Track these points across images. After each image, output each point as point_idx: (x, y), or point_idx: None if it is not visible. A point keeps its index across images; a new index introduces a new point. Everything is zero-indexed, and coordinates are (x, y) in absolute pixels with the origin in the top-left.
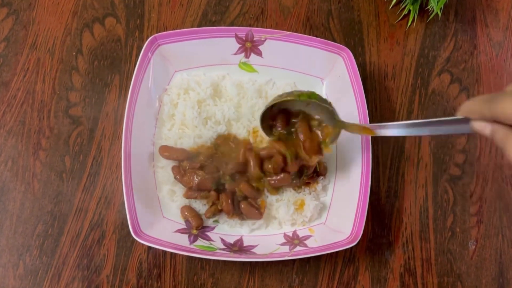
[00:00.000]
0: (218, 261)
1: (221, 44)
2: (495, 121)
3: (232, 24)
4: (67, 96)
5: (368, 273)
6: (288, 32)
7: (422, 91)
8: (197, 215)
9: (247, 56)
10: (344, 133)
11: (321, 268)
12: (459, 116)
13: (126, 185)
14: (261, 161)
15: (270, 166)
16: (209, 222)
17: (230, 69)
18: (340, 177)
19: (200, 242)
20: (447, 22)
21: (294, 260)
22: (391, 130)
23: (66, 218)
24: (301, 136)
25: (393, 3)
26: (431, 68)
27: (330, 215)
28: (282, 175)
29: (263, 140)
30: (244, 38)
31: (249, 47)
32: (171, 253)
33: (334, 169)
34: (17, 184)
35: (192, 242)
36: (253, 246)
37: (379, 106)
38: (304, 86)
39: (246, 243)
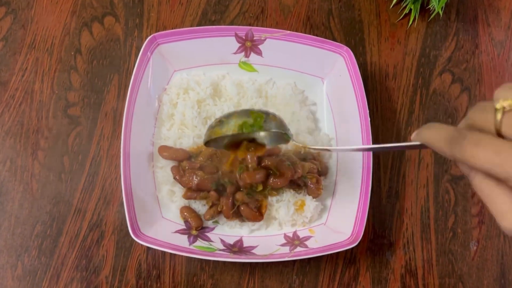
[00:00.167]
0: (217, 262)
1: (221, 43)
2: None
3: (232, 23)
4: (66, 96)
5: (369, 274)
6: (288, 32)
7: (423, 91)
8: (197, 216)
9: (247, 56)
10: (344, 133)
11: (321, 269)
12: (414, 142)
13: (125, 186)
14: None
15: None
16: (209, 223)
17: (230, 68)
18: (341, 178)
19: (199, 242)
20: (449, 21)
21: (294, 261)
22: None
23: (65, 219)
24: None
25: (394, 2)
26: (432, 67)
27: (330, 215)
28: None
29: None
30: (244, 38)
31: (249, 46)
32: (171, 254)
33: (335, 170)
34: (16, 184)
35: (191, 242)
36: (253, 247)
37: (380, 106)
38: (305, 85)
39: (246, 243)
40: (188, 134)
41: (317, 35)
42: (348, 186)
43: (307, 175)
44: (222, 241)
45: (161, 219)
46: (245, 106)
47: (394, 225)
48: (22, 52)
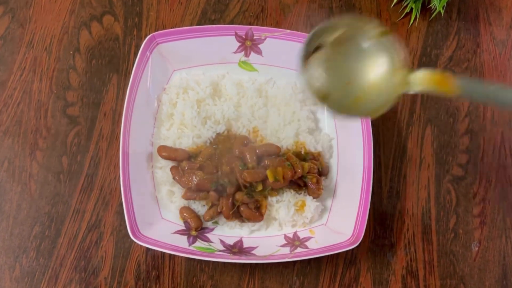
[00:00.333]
0: (217, 262)
1: (221, 42)
2: None
3: (231, 22)
4: (65, 96)
5: (370, 275)
6: (289, 31)
7: None
8: (196, 216)
9: (247, 55)
10: (345, 133)
11: (322, 270)
12: None
13: (124, 186)
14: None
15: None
16: (209, 223)
17: (230, 68)
18: (342, 178)
19: (199, 243)
20: (450, 20)
21: (294, 262)
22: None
23: (64, 220)
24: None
25: (394, 1)
26: (434, 67)
27: (331, 216)
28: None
29: (263, 139)
30: (244, 37)
31: (249, 45)
32: (170, 254)
33: (336, 170)
34: (14, 185)
35: (191, 243)
36: (253, 248)
37: None
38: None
39: (246, 244)
40: (188, 134)
41: None
42: (349, 187)
43: (307, 175)
44: (222, 241)
45: (160, 219)
46: (245, 106)
47: (395, 225)
48: (20, 51)
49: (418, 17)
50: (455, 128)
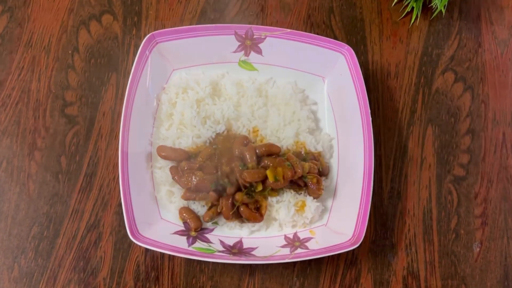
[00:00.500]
0: (217, 263)
1: (220, 42)
2: None
3: (231, 21)
4: (63, 95)
5: (371, 275)
6: (289, 30)
7: (426, 90)
8: (196, 217)
9: (246, 54)
10: (345, 133)
11: (322, 271)
12: None
13: (123, 186)
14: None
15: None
16: (208, 224)
17: (230, 67)
18: (342, 178)
19: (198, 244)
20: (451, 20)
21: (295, 263)
22: None
23: (62, 220)
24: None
25: (395, 0)
26: (435, 66)
27: (331, 216)
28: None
29: (263, 139)
30: (243, 36)
31: (249, 45)
32: (169, 255)
33: (336, 170)
34: (12, 185)
35: (190, 244)
36: (253, 248)
37: (381, 106)
38: (305, 84)
39: (245, 245)
40: (187, 134)
41: (318, 34)
42: (349, 187)
43: (308, 175)
44: (221, 242)
45: (160, 220)
46: (245, 105)
47: (396, 226)
48: (19, 50)
49: (419, 16)
50: (456, 128)
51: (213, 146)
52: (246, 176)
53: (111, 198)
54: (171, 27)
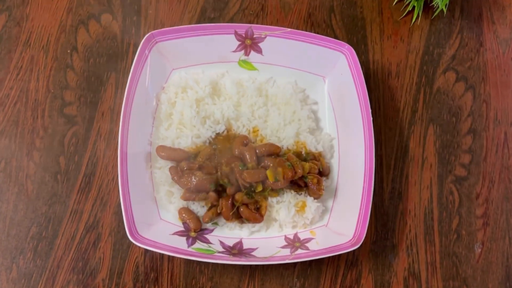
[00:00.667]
0: (217, 264)
1: (220, 41)
2: None
3: (231, 20)
4: (62, 95)
5: (371, 276)
6: (289, 29)
7: (427, 89)
8: (196, 217)
9: (246, 54)
10: (346, 133)
11: (323, 272)
12: None
13: (122, 186)
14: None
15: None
16: (208, 224)
17: (230, 67)
18: (343, 178)
19: (198, 245)
20: (453, 19)
21: (295, 264)
22: None
23: (61, 220)
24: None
25: None
26: (436, 66)
27: (332, 217)
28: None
29: (263, 139)
30: (243, 35)
31: (249, 44)
32: (169, 256)
33: (337, 170)
34: (10, 185)
35: (190, 245)
36: (253, 249)
37: (382, 105)
38: (305, 84)
39: (246, 246)
40: (187, 134)
41: (318, 33)
42: (350, 187)
43: (308, 175)
44: (221, 243)
45: (159, 220)
46: (245, 105)
47: (397, 226)
48: (17, 50)
49: (420, 15)
50: (457, 128)
51: (213, 146)
52: (246, 176)
53: (110, 199)
54: (170, 26)
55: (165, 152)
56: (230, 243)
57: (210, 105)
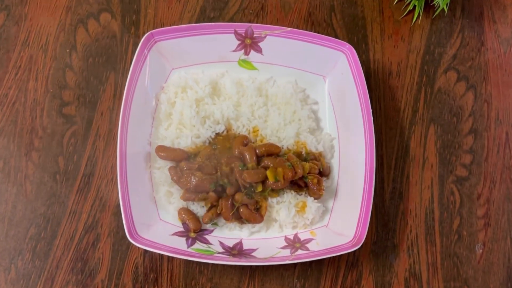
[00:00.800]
0: (216, 265)
1: (220, 40)
2: None
3: (231, 20)
4: (61, 95)
5: (372, 277)
6: (289, 28)
7: (428, 89)
8: (195, 218)
9: (246, 53)
10: (346, 133)
11: (323, 273)
12: None
13: (121, 187)
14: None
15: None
16: (208, 225)
17: (229, 66)
18: (343, 178)
19: (198, 245)
20: (454, 18)
21: (295, 264)
22: None
23: (60, 221)
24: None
25: None
26: (437, 65)
27: (332, 217)
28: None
29: (263, 139)
30: (243, 35)
31: (249, 43)
32: (168, 256)
33: (337, 170)
34: (9, 185)
35: (190, 245)
36: (253, 250)
37: (383, 105)
38: (306, 84)
39: (245, 246)
40: (186, 134)
41: (318, 32)
42: (351, 187)
43: (308, 175)
44: (221, 243)
45: (159, 221)
46: (245, 105)
47: (398, 227)
48: (16, 49)
49: (421, 14)
50: (458, 128)
51: (213, 146)
52: (246, 176)
53: (109, 199)
54: (170, 25)
55: (164, 152)
56: (230, 243)
57: (210, 105)
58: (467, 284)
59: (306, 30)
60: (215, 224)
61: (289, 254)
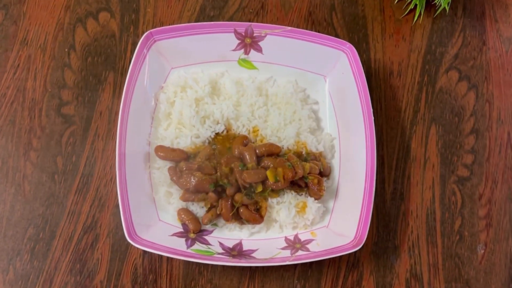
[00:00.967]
0: (216, 266)
1: (220, 40)
2: None
3: (231, 19)
4: (59, 94)
5: (373, 278)
6: (290, 28)
7: (429, 89)
8: (195, 218)
9: (246, 53)
10: (347, 133)
11: (323, 273)
12: None
13: (120, 187)
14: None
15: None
16: (207, 226)
17: (229, 66)
18: (344, 179)
19: (197, 246)
20: (455, 17)
21: (295, 265)
22: None
23: (58, 221)
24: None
25: None
26: (439, 65)
27: (333, 218)
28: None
29: (263, 139)
30: (243, 34)
31: (249, 43)
32: (168, 257)
33: (338, 170)
34: (7, 186)
35: (189, 246)
36: (253, 250)
37: (384, 105)
38: (306, 83)
39: (245, 247)
40: (186, 134)
41: (319, 32)
42: (351, 187)
43: (309, 176)
44: (221, 244)
45: (158, 221)
46: (245, 105)
47: (399, 227)
48: (14, 48)
49: (422, 14)
50: (460, 128)
51: (212, 146)
52: (246, 176)
53: (108, 199)
54: (169, 24)
55: (164, 152)
56: (230, 244)
57: (210, 105)
58: (469, 285)
59: (307, 29)
60: (215, 224)
61: (289, 255)
